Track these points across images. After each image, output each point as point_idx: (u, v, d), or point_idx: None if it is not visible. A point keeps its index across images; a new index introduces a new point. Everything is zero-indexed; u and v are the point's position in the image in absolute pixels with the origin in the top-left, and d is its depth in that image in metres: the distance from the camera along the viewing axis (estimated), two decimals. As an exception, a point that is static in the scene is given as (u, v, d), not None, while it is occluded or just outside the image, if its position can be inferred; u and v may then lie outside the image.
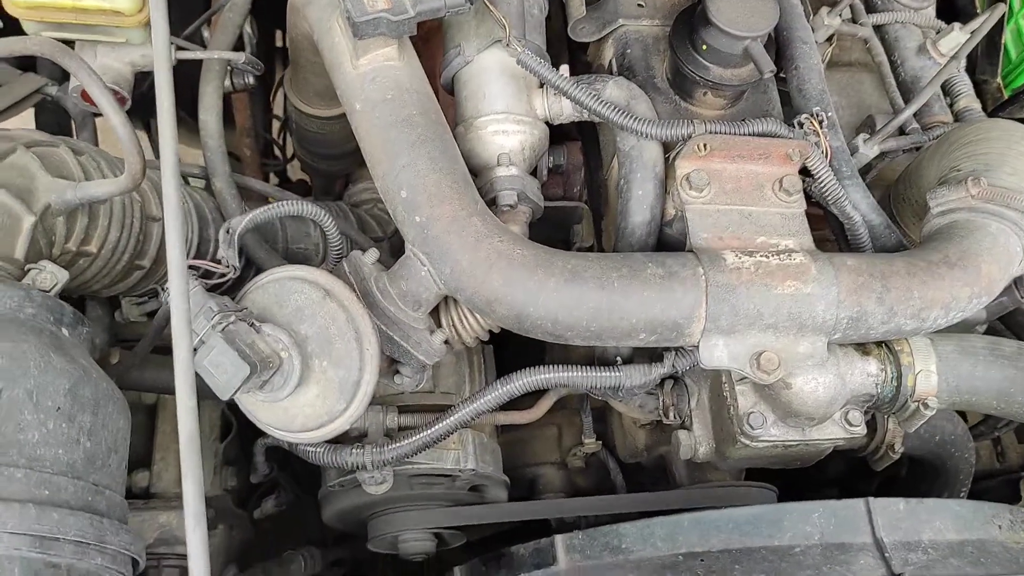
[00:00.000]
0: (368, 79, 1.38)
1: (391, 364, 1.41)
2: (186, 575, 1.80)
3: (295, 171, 2.66)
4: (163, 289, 1.56)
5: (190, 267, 1.18)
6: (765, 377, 1.32)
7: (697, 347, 1.34)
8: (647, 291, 1.29)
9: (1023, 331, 1.75)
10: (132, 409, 1.91)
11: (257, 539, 2.22)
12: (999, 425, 2.06)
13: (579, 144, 1.73)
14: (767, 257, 1.33)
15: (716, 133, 1.40)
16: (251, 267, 1.76)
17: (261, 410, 1.25)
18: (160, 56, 1.16)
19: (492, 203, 1.46)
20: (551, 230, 1.73)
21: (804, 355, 1.35)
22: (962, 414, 1.88)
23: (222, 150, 1.68)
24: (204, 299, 1.15)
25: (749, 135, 1.42)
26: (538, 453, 2.05)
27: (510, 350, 1.82)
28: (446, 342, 1.46)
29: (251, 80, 1.92)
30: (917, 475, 1.94)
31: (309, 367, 1.21)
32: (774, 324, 1.32)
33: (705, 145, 1.40)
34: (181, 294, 1.04)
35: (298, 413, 1.23)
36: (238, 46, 1.87)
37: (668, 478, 1.96)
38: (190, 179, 1.80)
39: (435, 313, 1.47)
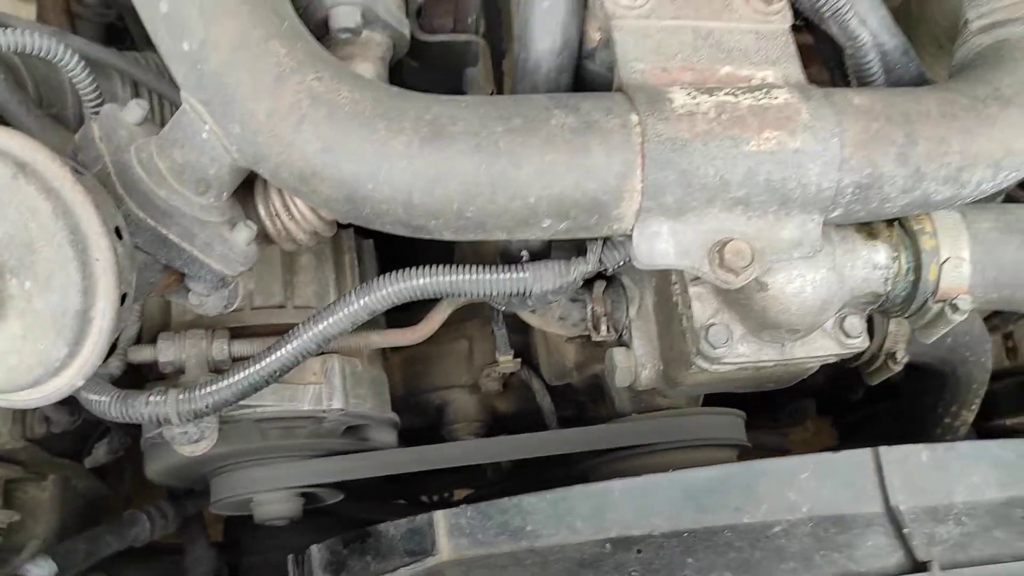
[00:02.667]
0: None
1: (179, 279, 0.94)
2: None
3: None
4: None
5: None
6: (731, 279, 0.89)
7: (630, 237, 0.89)
8: (551, 153, 0.83)
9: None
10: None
11: (112, 488, 1.82)
12: (1016, 318, 1.67)
13: (472, -46, 1.23)
14: (735, 96, 0.87)
15: (658, -94, 0.92)
16: None
17: (-60, 360, 0.79)
18: None
19: (324, 29, 0.97)
20: (434, 75, 1.25)
21: (788, 244, 0.91)
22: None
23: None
24: None
25: (708, -91, 0.93)
26: (445, 375, 1.62)
27: (400, 245, 1.36)
28: (266, 238, 1.00)
29: None
30: (919, 385, 1.55)
31: (2, 291, 0.74)
32: (745, 199, 0.87)
33: (640, -74, 0.91)
34: None
35: (-3, 363, 0.77)
36: None
37: (608, 402, 1.55)
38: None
39: (249, 197, 1.00)
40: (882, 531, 0.87)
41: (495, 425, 1.65)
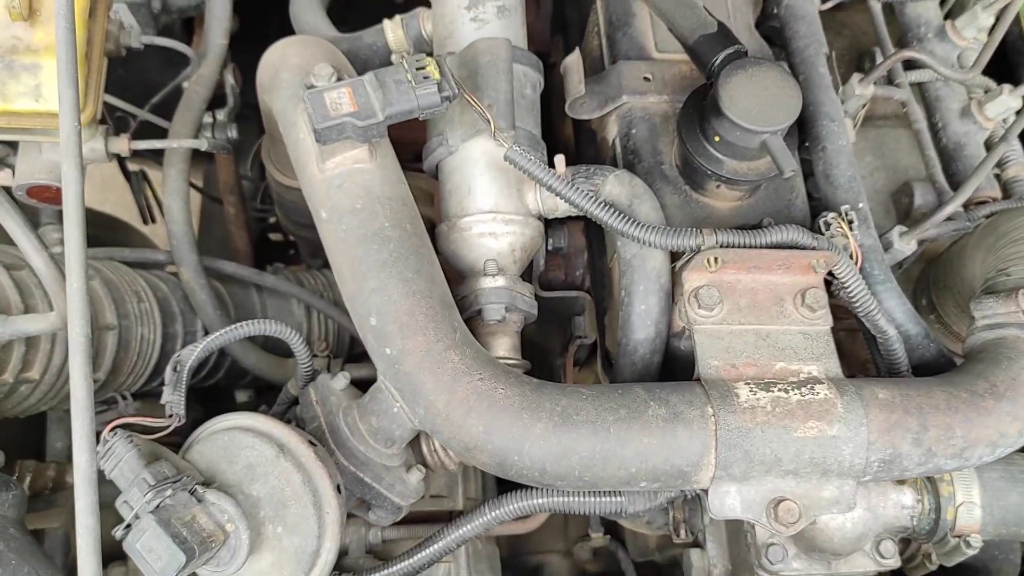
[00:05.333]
0: (335, 185, 1.23)
1: (364, 503, 1.27)
2: None
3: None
4: (123, 397, 1.44)
5: (121, 427, 1.04)
6: (783, 530, 1.17)
7: (706, 493, 1.18)
8: (647, 437, 1.13)
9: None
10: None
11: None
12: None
13: (582, 224, 1.56)
14: (786, 392, 1.17)
15: (729, 247, 1.23)
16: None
17: (212, 578, 1.12)
18: (69, 153, 1.02)
19: (477, 315, 1.31)
20: (551, 321, 1.57)
21: (829, 501, 1.18)
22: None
23: (189, 237, 1.55)
24: (138, 466, 1.01)
25: (767, 246, 1.24)
26: (543, 540, 1.91)
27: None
28: (428, 468, 1.32)
29: (233, 134, 1.78)
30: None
31: (261, 533, 1.07)
32: (794, 470, 1.16)
33: (716, 259, 1.23)
34: (84, 447, 0.92)
35: (252, 583, 1.09)
36: (219, 97, 1.73)
37: None
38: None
39: (415, 440, 1.32)
40: None
41: (586, 586, 1.93)
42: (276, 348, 1.70)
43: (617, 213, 1.25)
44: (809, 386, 1.18)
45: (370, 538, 1.49)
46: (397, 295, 1.16)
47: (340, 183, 1.23)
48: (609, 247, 1.49)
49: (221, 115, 1.63)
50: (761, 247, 1.24)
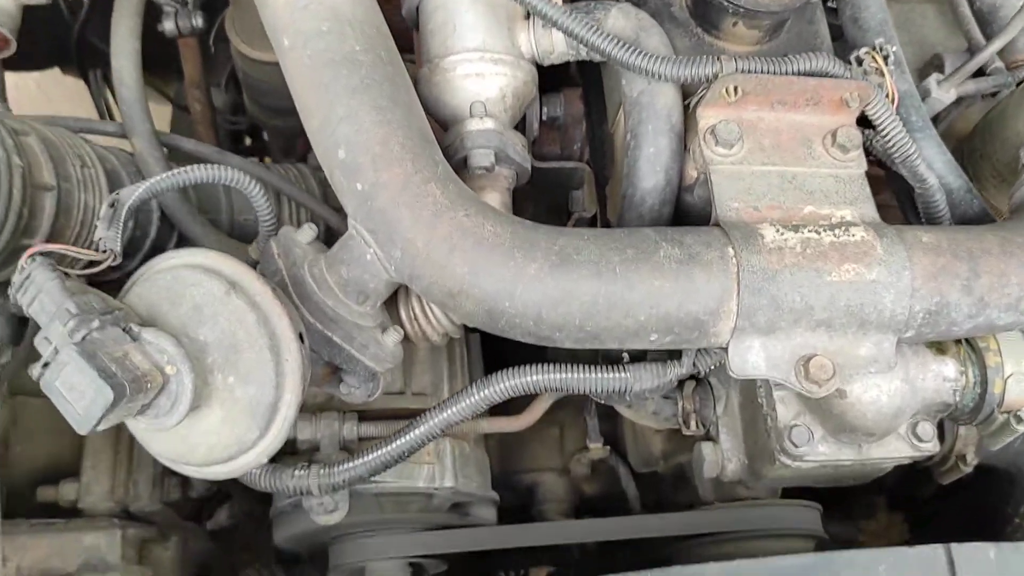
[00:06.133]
0: (299, 6, 1.07)
1: (334, 372, 1.11)
2: None
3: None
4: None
5: (42, 254, 0.88)
6: (815, 389, 1.02)
7: (725, 350, 1.03)
8: (659, 279, 0.98)
9: None
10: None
11: (221, 551, 1.97)
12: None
13: (579, 91, 1.40)
14: (818, 232, 1.02)
15: (750, 72, 1.07)
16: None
17: (153, 439, 0.96)
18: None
19: (463, 165, 1.15)
20: (544, 197, 1.42)
21: (866, 360, 1.04)
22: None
23: (142, 103, 1.38)
24: (61, 296, 0.85)
25: (793, 74, 1.09)
26: (537, 457, 1.76)
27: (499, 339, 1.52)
28: (407, 339, 1.16)
29: (199, 22, 1.62)
30: (986, 486, 1.62)
31: (209, 383, 0.92)
32: (827, 320, 1.01)
33: (736, 88, 1.07)
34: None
35: (199, 442, 0.93)
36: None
37: (691, 488, 1.66)
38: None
39: (392, 302, 1.17)
40: (954, 622, 0.97)
41: (582, 506, 1.78)
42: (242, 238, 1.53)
43: (622, 44, 1.10)
44: (844, 228, 1.03)
45: (344, 434, 1.33)
46: (369, 123, 1.01)
47: (305, 3, 1.07)
48: (610, 108, 1.33)
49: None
50: (787, 74, 1.08)
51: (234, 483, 1.66)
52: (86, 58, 1.98)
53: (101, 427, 0.82)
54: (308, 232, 1.09)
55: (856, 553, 1.03)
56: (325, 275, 1.06)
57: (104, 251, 0.97)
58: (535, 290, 0.97)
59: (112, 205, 0.99)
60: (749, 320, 1.00)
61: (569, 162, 1.38)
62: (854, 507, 2.04)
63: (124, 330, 0.86)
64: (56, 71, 2.17)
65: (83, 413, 0.81)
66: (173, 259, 0.96)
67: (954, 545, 1.03)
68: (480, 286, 0.97)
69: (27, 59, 2.11)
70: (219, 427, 0.93)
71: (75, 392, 0.81)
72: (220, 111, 2.14)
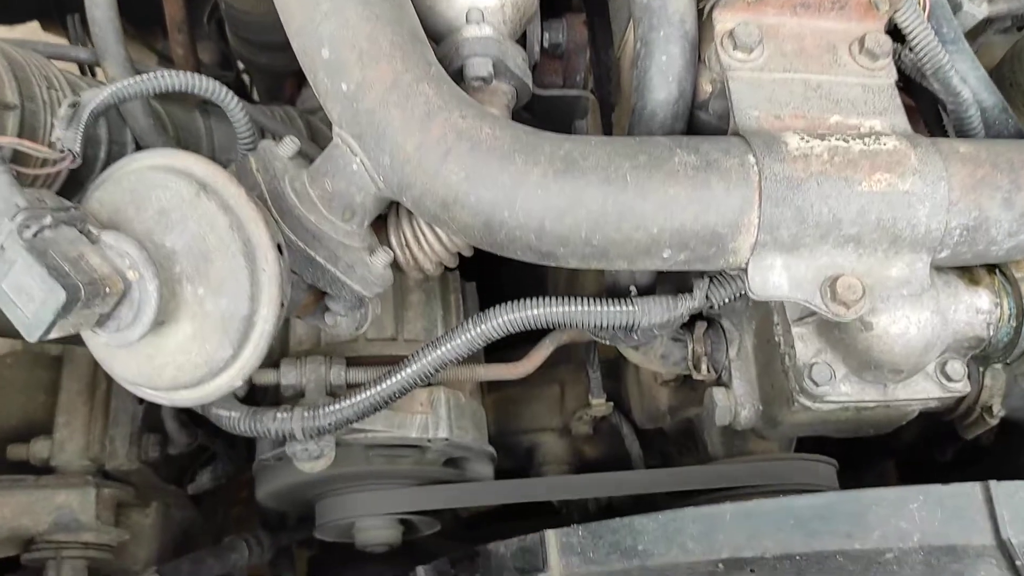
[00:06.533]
0: (279, -103, 0.98)
1: (318, 300, 1.02)
2: (93, 569, 1.49)
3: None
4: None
5: (-11, 145, 0.79)
6: (843, 311, 0.93)
7: (744, 270, 0.94)
8: (674, 187, 0.89)
9: None
10: (32, 362, 1.58)
11: (205, 518, 1.88)
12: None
13: (583, 17, 1.32)
14: (846, 141, 0.93)
15: (772, -32, 0.99)
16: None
17: (116, 359, 0.87)
18: None
19: (459, 77, 1.06)
20: (546, 128, 1.33)
21: (897, 282, 0.95)
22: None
23: (115, 25, 1.28)
24: (10, 191, 0.76)
25: (818, -27, 1.00)
26: (536, 417, 1.67)
27: (501, 287, 1.43)
28: (396, 267, 1.07)
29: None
30: (1010, 443, 1.54)
31: (177, 295, 0.82)
32: (856, 236, 0.92)
33: (756, -15, 0.99)
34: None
35: (166, 362, 0.84)
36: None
37: (698, 448, 1.58)
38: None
39: (382, 227, 1.08)
40: (994, 563, 0.88)
41: (583, 469, 1.69)
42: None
43: (631, -57, 1.01)
44: (874, 137, 0.94)
45: (332, 379, 1.25)
46: (356, 18, 0.92)
47: None
48: (616, 32, 1.25)
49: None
50: (812, -27, 1.00)
51: (217, 440, 1.59)
52: (65, 3, 1.89)
53: (54, 333, 0.73)
54: (290, 145, 1.00)
55: (885, 491, 0.94)
56: (308, 189, 0.97)
57: (62, 151, 0.88)
58: (538, 198, 0.88)
59: (73, 106, 0.90)
60: (771, 235, 0.91)
61: (572, 90, 1.29)
62: (865, 477, 1.96)
63: (81, 231, 0.77)
64: (36, 25, 2.09)
65: (32, 317, 0.72)
66: (138, 160, 0.86)
67: (992, 482, 0.94)
68: (477, 194, 0.88)
69: (4, 12, 2.03)
70: (188, 344, 0.83)
71: (24, 295, 0.72)
72: (207, 66, 2.06)
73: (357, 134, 0.92)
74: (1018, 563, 0.88)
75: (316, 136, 1.58)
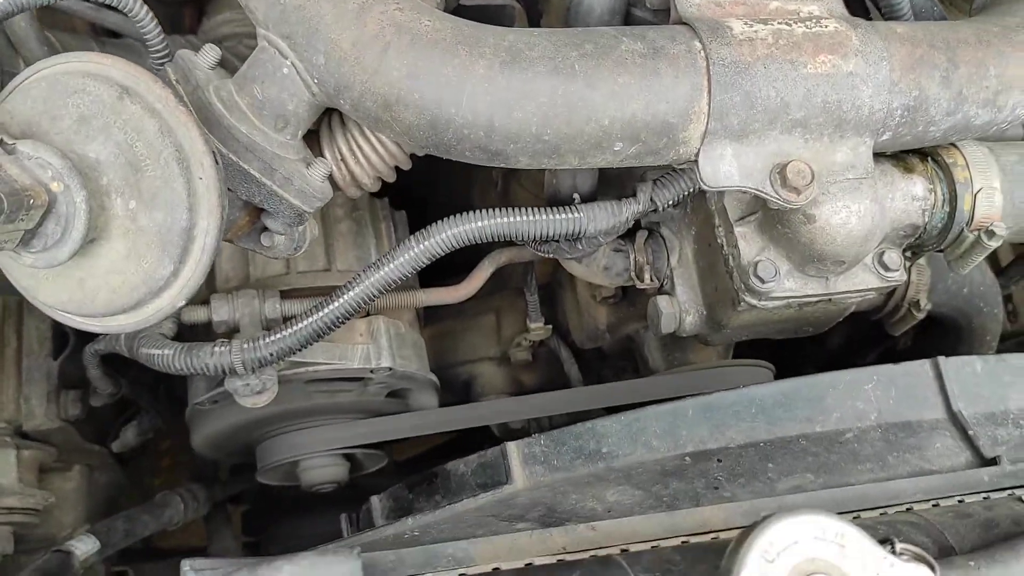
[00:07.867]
0: None
1: (254, 218, 0.96)
2: (19, 535, 1.41)
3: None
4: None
5: None
6: (793, 197, 0.93)
7: (695, 161, 0.93)
8: (623, 76, 0.87)
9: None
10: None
11: (131, 479, 1.80)
12: (1014, 278, 1.73)
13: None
14: (789, 25, 0.92)
15: None
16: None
17: (42, 284, 0.80)
18: None
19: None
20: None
21: (843, 166, 0.96)
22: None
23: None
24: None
25: None
26: (473, 347, 1.65)
27: (430, 214, 1.39)
28: (335, 187, 1.02)
29: None
30: (934, 338, 1.59)
31: (107, 210, 0.76)
32: (803, 120, 0.92)
33: None
34: None
35: (99, 285, 0.78)
36: None
37: (637, 367, 1.59)
38: None
39: (314, 142, 1.02)
40: (948, 434, 0.91)
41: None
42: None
43: None
44: (815, 20, 0.94)
45: (267, 312, 1.19)
46: (278, -93, 0.85)
47: None
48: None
49: None
50: None
51: (141, 393, 1.51)
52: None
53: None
54: (210, 54, 0.93)
55: (840, 373, 0.96)
56: (235, 98, 0.91)
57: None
58: (485, 92, 0.84)
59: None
60: (721, 122, 0.90)
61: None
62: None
63: (-8, 140, 0.70)
64: None
65: (-58, 232, 0.64)
66: (49, 65, 0.78)
67: (941, 359, 0.97)
68: (421, 91, 0.84)
69: None
70: (123, 264, 0.77)
71: (-72, 208, 0.64)
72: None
73: (286, 34, 0.86)
74: (970, 432, 0.91)
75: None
